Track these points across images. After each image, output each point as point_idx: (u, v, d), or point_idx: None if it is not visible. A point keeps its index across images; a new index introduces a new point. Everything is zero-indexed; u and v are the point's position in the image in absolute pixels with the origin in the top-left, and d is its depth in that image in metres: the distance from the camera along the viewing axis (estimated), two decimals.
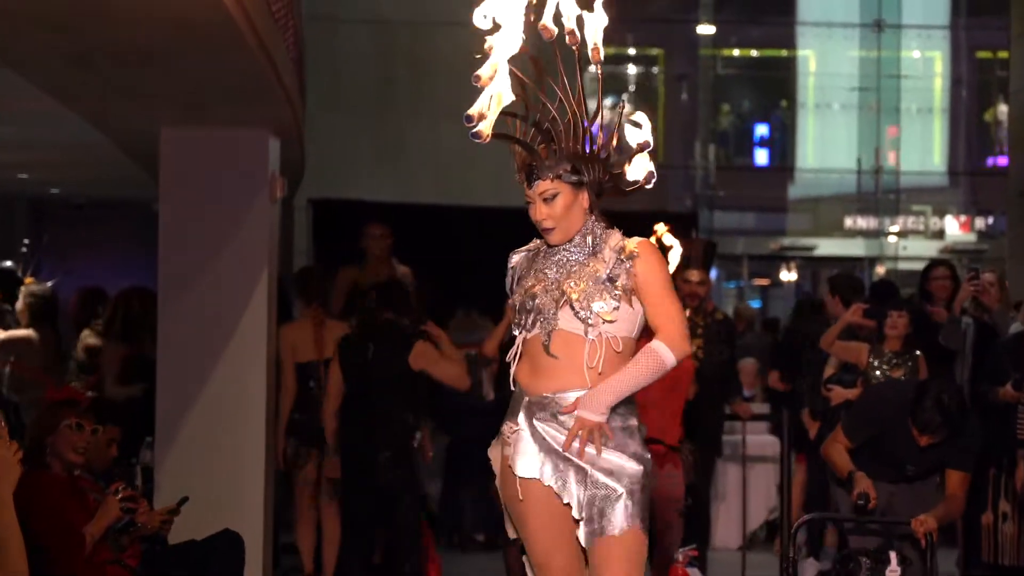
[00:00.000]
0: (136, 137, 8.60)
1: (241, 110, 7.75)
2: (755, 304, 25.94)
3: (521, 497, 4.31)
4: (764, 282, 26.73)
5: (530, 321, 4.32)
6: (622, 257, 4.27)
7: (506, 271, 4.49)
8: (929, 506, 6.90)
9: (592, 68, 4.34)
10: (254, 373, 8.06)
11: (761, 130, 26.19)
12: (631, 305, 4.26)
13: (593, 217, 4.32)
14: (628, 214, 12.02)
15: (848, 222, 24.97)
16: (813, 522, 7.79)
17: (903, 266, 24.34)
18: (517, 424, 4.32)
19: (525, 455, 4.28)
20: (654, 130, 4.30)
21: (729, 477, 10.51)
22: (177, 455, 7.95)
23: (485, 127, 3.91)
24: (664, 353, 4.24)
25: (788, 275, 24.81)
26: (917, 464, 6.99)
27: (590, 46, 4.17)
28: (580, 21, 4.12)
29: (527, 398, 4.34)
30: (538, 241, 4.44)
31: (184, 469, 7.87)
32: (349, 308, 9.20)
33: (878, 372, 8.43)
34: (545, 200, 4.24)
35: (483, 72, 3.89)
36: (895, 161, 24.87)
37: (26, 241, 14.31)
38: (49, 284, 10.03)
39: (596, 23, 4.18)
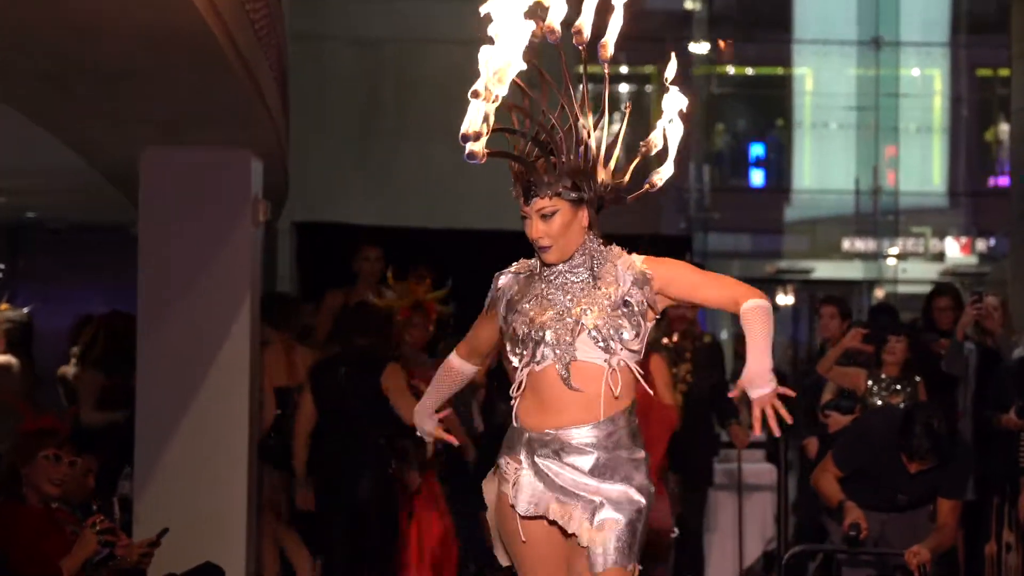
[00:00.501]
0: (115, 159, 8.57)
1: (223, 131, 7.74)
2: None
3: (524, 538, 4.24)
4: None
5: (540, 353, 4.18)
6: (638, 280, 4.18)
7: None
8: (922, 536, 6.92)
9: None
10: (236, 401, 8.05)
11: (757, 150, 26.05)
12: (645, 325, 4.21)
13: (590, 235, 4.23)
14: (619, 236, 12.04)
15: (846, 244, 24.83)
16: (810, 554, 7.82)
17: (903, 289, 24.28)
18: (519, 462, 4.23)
19: (527, 493, 4.21)
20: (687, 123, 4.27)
21: (724, 507, 10.47)
22: (157, 485, 7.92)
23: (479, 146, 3.86)
24: (762, 302, 4.22)
25: (785, 299, 24.43)
26: (908, 492, 7.03)
27: (601, 42, 4.13)
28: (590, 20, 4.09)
29: (528, 434, 4.23)
30: (528, 262, 4.35)
31: (164, 500, 7.84)
32: (336, 333, 9.12)
33: (876, 398, 8.44)
34: (543, 217, 4.13)
35: (481, 86, 3.82)
36: (894, 181, 24.72)
37: (1, 266, 14.29)
38: (25, 310, 9.96)
39: (613, 22, 4.13)
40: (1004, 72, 21.37)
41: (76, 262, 14.28)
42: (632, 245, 9.41)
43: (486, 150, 3.92)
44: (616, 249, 4.31)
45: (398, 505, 8.28)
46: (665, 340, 8.96)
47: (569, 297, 4.17)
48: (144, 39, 5.75)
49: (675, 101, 4.27)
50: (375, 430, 7.82)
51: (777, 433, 4.19)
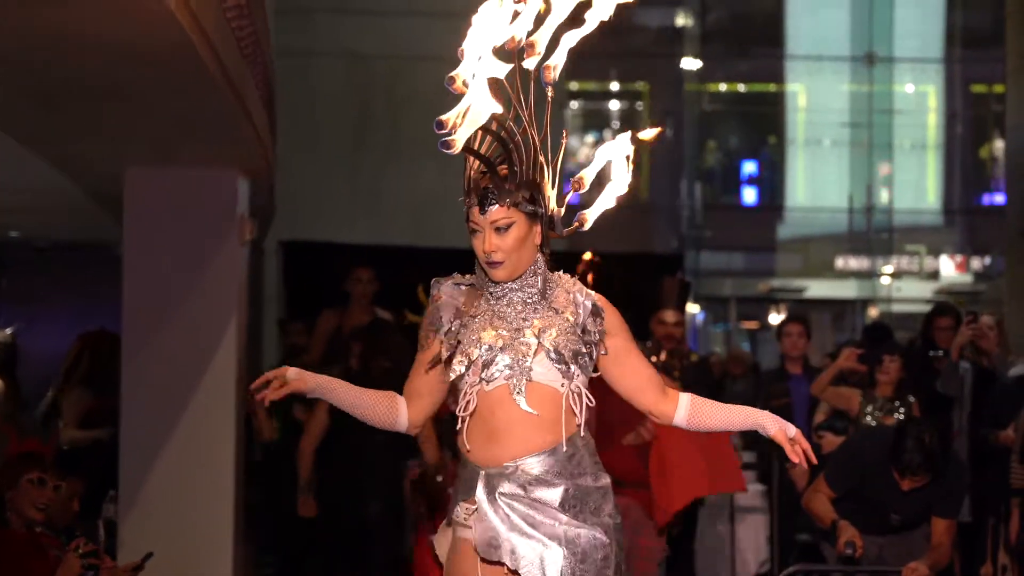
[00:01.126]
0: (99, 177, 8.50)
1: (208, 149, 7.68)
2: (744, 347, 25.90)
3: None
4: (753, 325, 26.53)
5: (489, 373, 3.88)
6: (594, 310, 3.93)
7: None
8: (919, 556, 6.79)
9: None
10: (223, 423, 7.97)
11: (749, 168, 26.09)
12: (597, 354, 3.94)
13: (542, 254, 3.94)
14: (611, 256, 11.97)
15: (839, 263, 24.92)
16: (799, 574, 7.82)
17: (897, 308, 24.30)
18: (474, 503, 3.88)
19: (488, 534, 3.84)
20: (637, 169, 4.12)
21: (716, 529, 10.35)
22: (142, 508, 7.84)
23: (458, 137, 3.64)
24: (690, 396, 4.03)
25: (778, 318, 24.05)
26: (902, 511, 6.99)
27: (545, 65, 3.82)
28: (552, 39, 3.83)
29: (483, 471, 3.90)
30: (468, 276, 4.05)
31: (149, 523, 7.75)
32: (330, 354, 9.12)
33: (870, 418, 8.39)
34: (497, 230, 3.84)
35: (458, 73, 3.66)
36: (888, 199, 24.80)
37: None
38: (9, 331, 9.96)
39: (563, 42, 3.82)
40: (999, 88, 21.43)
41: (61, 281, 14.25)
42: (624, 264, 9.31)
43: (454, 140, 3.65)
44: (565, 275, 4.00)
45: (407, 529, 8.16)
46: (653, 359, 8.96)
47: (522, 316, 3.90)
48: (128, 56, 5.69)
49: (620, 147, 3.93)
50: (389, 453, 7.70)
51: (815, 462, 4.02)
